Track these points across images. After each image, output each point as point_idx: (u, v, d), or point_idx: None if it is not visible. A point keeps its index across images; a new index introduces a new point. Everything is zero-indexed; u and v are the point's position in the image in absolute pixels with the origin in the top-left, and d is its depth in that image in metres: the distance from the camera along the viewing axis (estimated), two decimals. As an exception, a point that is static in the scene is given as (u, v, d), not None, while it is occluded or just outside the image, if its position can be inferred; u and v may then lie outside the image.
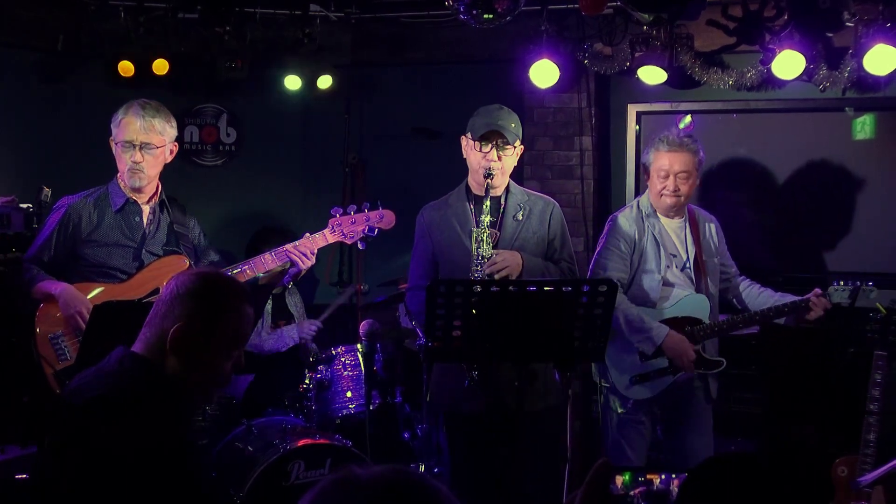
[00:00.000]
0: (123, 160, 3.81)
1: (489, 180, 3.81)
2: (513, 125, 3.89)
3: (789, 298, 4.24)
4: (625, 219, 4.29)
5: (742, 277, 4.48)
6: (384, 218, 4.03)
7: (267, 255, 3.86)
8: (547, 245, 3.99)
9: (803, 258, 5.34)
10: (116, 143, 3.82)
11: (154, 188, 3.94)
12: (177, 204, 4.03)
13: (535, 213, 3.97)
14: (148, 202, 3.91)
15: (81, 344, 3.25)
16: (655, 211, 4.29)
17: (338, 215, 3.96)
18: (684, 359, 4.13)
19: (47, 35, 5.65)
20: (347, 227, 3.95)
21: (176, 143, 3.95)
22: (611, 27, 5.39)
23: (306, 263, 3.90)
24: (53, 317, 3.66)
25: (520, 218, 3.93)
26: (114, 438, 2.08)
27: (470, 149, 3.92)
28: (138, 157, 3.79)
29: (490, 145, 3.85)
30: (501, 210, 3.93)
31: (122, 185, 3.87)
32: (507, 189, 3.98)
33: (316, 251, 3.92)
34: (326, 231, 3.94)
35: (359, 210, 3.99)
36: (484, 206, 3.78)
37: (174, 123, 3.93)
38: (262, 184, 6.13)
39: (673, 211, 4.28)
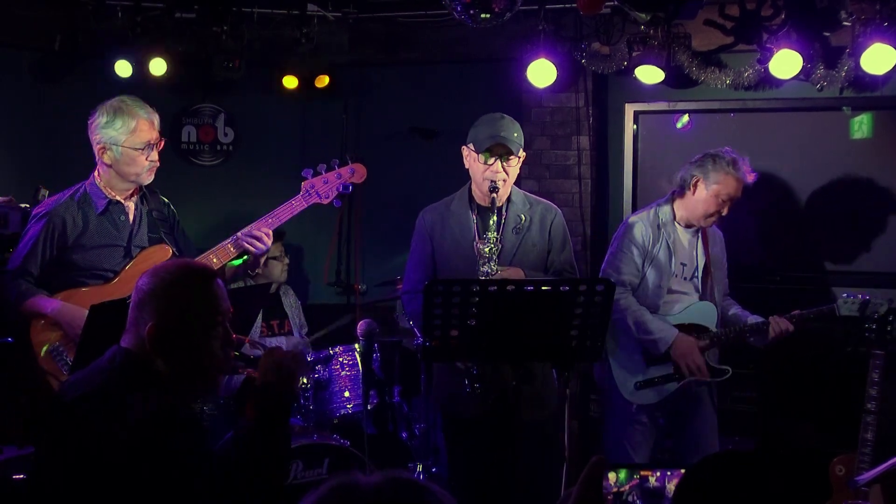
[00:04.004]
0: (140, 163, 3.70)
1: (495, 194, 3.73)
2: (515, 135, 3.79)
3: (753, 320, 4.25)
4: (641, 224, 4.26)
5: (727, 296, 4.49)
6: (356, 172, 3.89)
7: (228, 245, 3.73)
8: (547, 255, 3.93)
9: (801, 258, 5.35)
10: (131, 149, 3.68)
11: None
12: (149, 188, 3.89)
13: (536, 222, 3.89)
14: (130, 198, 3.81)
15: (79, 346, 3.22)
16: (674, 220, 4.27)
17: (309, 176, 3.85)
18: (692, 362, 4.13)
19: (45, 35, 5.64)
20: (321, 188, 3.84)
21: None
22: (608, 26, 5.40)
23: (262, 250, 3.73)
24: (48, 330, 3.60)
25: (520, 229, 3.86)
26: (102, 434, 2.09)
27: (472, 160, 3.82)
28: (155, 155, 3.74)
29: (494, 158, 3.75)
30: (502, 222, 3.85)
31: (102, 185, 3.75)
32: (509, 198, 3.89)
33: (272, 233, 3.75)
34: (301, 196, 3.84)
35: (329, 168, 3.87)
36: (490, 223, 3.71)
37: None
38: (259, 184, 6.13)
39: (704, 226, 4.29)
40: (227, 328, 2.33)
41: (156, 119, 3.75)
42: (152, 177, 3.79)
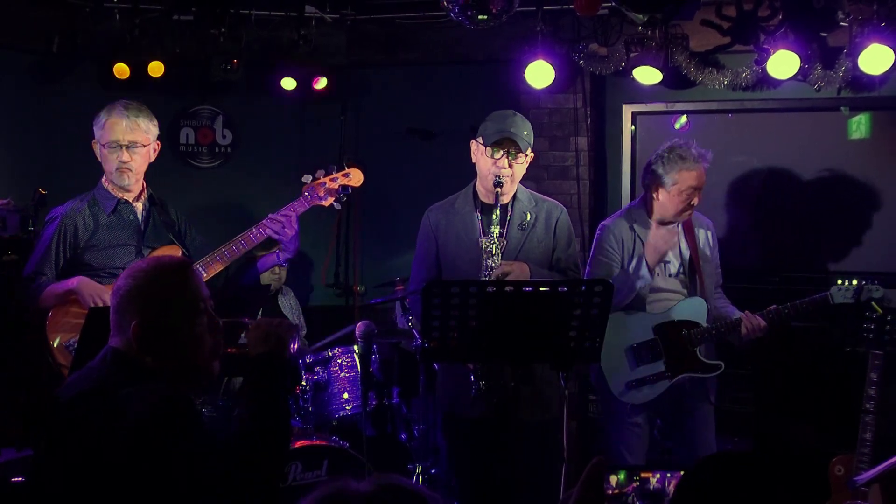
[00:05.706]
0: (110, 161, 3.83)
1: (499, 189, 3.73)
2: (525, 133, 3.80)
3: (731, 316, 4.25)
4: (614, 227, 4.26)
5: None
6: (352, 176, 4.09)
7: (253, 230, 3.92)
8: (552, 253, 3.91)
9: (799, 258, 5.35)
10: (102, 145, 3.84)
11: (140, 186, 3.98)
12: (156, 197, 4.04)
13: (541, 220, 3.89)
14: (138, 200, 3.94)
15: (77, 347, 3.22)
16: (648, 219, 4.26)
17: (308, 181, 4.04)
18: (665, 248, 4.13)
19: (42, 37, 5.64)
20: (320, 190, 4.03)
21: (159, 143, 3.98)
22: (606, 28, 5.40)
23: (287, 233, 3.93)
24: (65, 324, 3.67)
25: (525, 226, 3.85)
26: (101, 431, 2.09)
27: (480, 154, 3.82)
28: (126, 156, 3.82)
29: (501, 152, 3.75)
30: (508, 218, 3.84)
31: (109, 187, 3.89)
32: (514, 195, 3.89)
33: (295, 218, 3.96)
34: (301, 198, 4.01)
35: (327, 172, 4.07)
36: (493, 217, 3.71)
37: (156, 122, 3.96)
38: (258, 186, 6.13)
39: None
40: (212, 314, 2.33)
41: (130, 122, 3.81)
42: (126, 180, 3.86)
